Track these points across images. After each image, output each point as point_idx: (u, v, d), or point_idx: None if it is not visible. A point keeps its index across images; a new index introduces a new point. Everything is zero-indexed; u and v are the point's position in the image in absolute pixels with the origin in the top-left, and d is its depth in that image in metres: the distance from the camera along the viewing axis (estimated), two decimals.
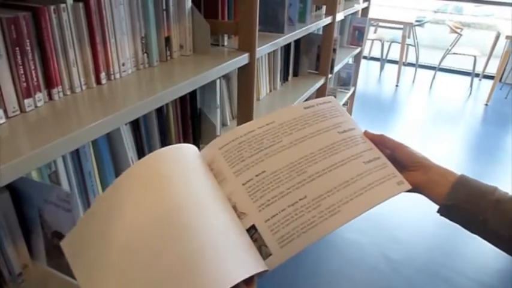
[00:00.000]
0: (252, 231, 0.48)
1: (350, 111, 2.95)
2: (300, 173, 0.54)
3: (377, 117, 3.58)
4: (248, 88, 1.22)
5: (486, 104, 4.01)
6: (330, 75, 2.03)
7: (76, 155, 0.81)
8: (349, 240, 1.96)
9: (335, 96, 2.19)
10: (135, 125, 0.99)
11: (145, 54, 0.94)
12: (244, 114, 1.27)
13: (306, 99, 1.83)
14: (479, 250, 1.94)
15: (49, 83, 0.72)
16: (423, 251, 1.93)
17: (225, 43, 1.20)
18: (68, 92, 0.76)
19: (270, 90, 1.77)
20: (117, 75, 0.87)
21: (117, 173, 0.97)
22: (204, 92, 1.21)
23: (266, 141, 0.57)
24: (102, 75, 0.82)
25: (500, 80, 4.32)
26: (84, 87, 0.80)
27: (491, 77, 4.62)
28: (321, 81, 1.96)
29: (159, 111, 1.05)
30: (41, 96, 0.70)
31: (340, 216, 0.51)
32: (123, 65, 0.87)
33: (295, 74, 1.99)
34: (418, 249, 1.93)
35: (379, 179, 0.57)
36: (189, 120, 1.17)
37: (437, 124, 3.52)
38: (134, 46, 0.90)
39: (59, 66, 0.73)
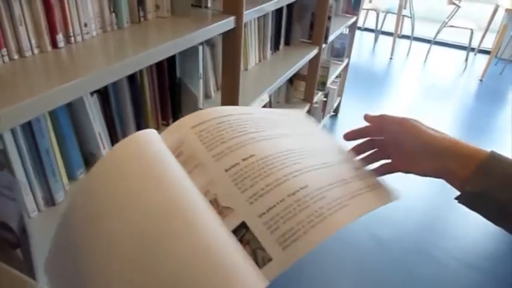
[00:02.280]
0: (240, 231, 0.36)
1: (343, 84, 2.84)
2: (296, 163, 0.44)
3: (370, 90, 3.48)
4: (234, 56, 1.10)
5: (480, 80, 3.92)
6: (323, 45, 1.90)
7: (29, 130, 0.70)
8: (343, 226, 1.89)
9: (328, 68, 2.07)
10: (103, 96, 0.87)
11: (113, 14, 0.81)
12: (229, 85, 1.16)
13: (298, 71, 1.71)
14: (469, 231, 1.90)
15: None
16: (412, 230, 1.88)
17: (209, 4, 1.07)
18: (16, 56, 0.64)
19: (260, 60, 1.64)
20: (79, 38, 0.74)
21: (83, 150, 0.86)
22: (185, 60, 1.08)
23: (249, 127, 0.47)
24: (59, 37, 0.69)
25: (496, 56, 4.21)
26: (36, 51, 0.67)
27: (487, 52, 4.51)
28: (314, 51, 1.83)
29: (132, 80, 0.93)
30: None
31: (349, 210, 0.42)
32: (86, 25, 0.74)
33: (287, 43, 1.85)
34: (407, 229, 1.89)
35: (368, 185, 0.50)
36: (167, 91, 1.05)
37: (430, 99, 3.44)
38: (99, 3, 0.77)
39: (1, 24, 0.60)
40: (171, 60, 1.03)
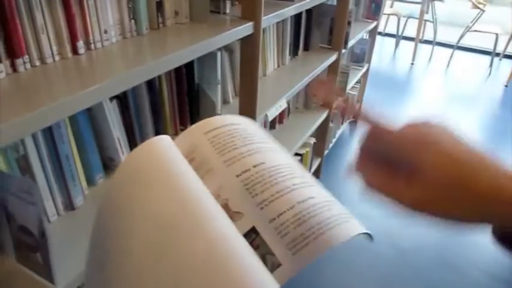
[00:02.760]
0: (251, 235, 0.37)
1: (363, 90, 2.80)
2: (301, 176, 0.44)
3: (390, 96, 3.42)
4: (252, 62, 1.10)
5: (506, 86, 3.81)
6: (343, 51, 1.88)
7: (50, 135, 0.71)
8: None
9: (348, 73, 2.05)
10: (122, 101, 0.88)
11: (132, 21, 0.82)
12: (247, 91, 1.15)
13: (317, 76, 1.69)
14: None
15: (12, 52, 0.60)
16: (433, 239, 1.83)
17: (227, 10, 1.07)
18: (37, 63, 0.65)
19: (278, 65, 1.64)
20: (99, 45, 0.75)
21: (102, 156, 0.87)
22: (203, 66, 1.09)
23: (257, 137, 0.47)
24: (80, 43, 0.70)
25: None
26: (57, 58, 0.68)
27: (511, 57, 4.39)
28: (334, 57, 1.82)
29: (151, 85, 0.93)
30: (1, 67, 0.59)
31: (355, 223, 0.41)
32: (106, 32, 0.75)
33: (306, 48, 1.84)
34: (428, 238, 1.83)
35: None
36: (185, 97, 1.05)
37: (454, 105, 3.36)
38: (119, 10, 0.78)
39: (23, 32, 0.61)
40: (189, 66, 1.04)
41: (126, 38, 0.82)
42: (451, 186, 0.33)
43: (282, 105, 1.35)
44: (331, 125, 2.11)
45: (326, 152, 2.21)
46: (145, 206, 0.37)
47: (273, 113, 1.29)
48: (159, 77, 0.96)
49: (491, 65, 4.27)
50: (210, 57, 1.06)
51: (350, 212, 0.43)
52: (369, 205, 1.95)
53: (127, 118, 0.90)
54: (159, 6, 0.86)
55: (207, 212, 0.36)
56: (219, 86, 1.13)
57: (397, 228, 1.85)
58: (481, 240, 1.84)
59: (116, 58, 0.74)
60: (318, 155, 2.11)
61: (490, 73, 4.16)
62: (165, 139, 0.43)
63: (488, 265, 1.70)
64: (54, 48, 0.67)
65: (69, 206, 0.80)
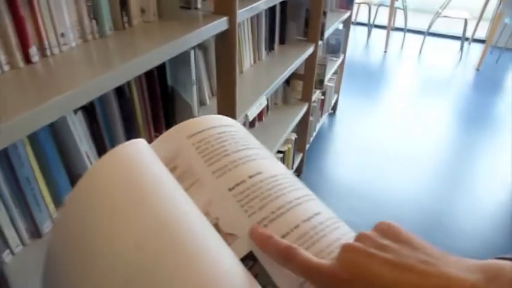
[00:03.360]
0: (247, 262, 0.30)
1: (340, 81, 2.77)
2: (301, 188, 0.37)
3: (366, 85, 3.41)
4: (229, 59, 1.03)
5: (477, 69, 3.87)
6: (320, 42, 1.83)
7: (5, 157, 0.62)
8: (346, 223, 1.82)
9: (325, 65, 2.00)
10: (89, 112, 0.79)
11: (93, 21, 0.73)
12: (225, 90, 1.08)
13: (295, 70, 1.64)
14: (482, 227, 1.84)
15: None
16: (423, 229, 1.82)
17: (198, 5, 0.99)
18: None
19: (254, 61, 1.57)
20: (56, 50, 0.66)
21: (70, 173, 0.78)
22: (176, 67, 1.01)
23: (251, 142, 0.40)
24: (33, 50, 0.61)
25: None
26: (6, 68, 0.59)
27: (481, 41, 4.47)
28: (311, 49, 1.76)
29: (120, 92, 0.85)
30: None
31: None
32: (63, 35, 0.66)
33: (282, 42, 1.78)
34: (418, 228, 1.82)
35: None
36: (159, 101, 0.97)
37: (427, 91, 3.38)
38: (77, 10, 0.69)
39: None
40: (161, 68, 0.95)
41: (87, 41, 0.73)
42: None
43: (262, 103, 1.29)
44: (311, 118, 2.06)
45: (307, 146, 2.17)
46: (110, 235, 0.28)
47: (253, 112, 1.22)
48: (129, 82, 0.88)
49: (461, 50, 4.33)
50: (183, 57, 0.98)
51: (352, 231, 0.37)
52: (355, 198, 1.92)
53: (95, 130, 0.81)
54: (123, 3, 0.78)
55: (195, 240, 0.28)
56: (195, 87, 1.05)
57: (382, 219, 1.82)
58: (465, 225, 1.84)
59: (78, 64, 0.65)
60: (300, 151, 2.06)
61: (461, 58, 4.23)
62: (138, 143, 0.35)
63: (473, 249, 1.70)
64: (2, 57, 0.58)
65: (35, 233, 0.71)
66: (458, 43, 4.43)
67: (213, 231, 0.30)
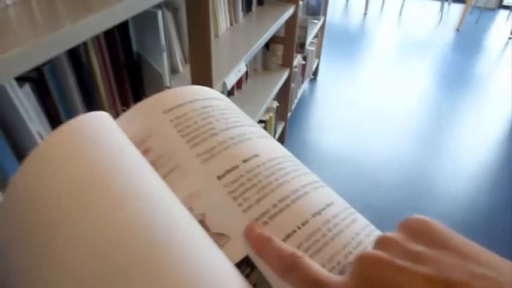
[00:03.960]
0: (243, 269, 0.23)
1: (320, 45, 2.66)
2: (308, 172, 0.29)
3: (347, 48, 3.32)
4: (202, 21, 0.91)
5: (457, 30, 3.81)
6: (300, 2, 1.70)
7: None
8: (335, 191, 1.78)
9: (306, 28, 1.88)
10: (38, 84, 0.68)
11: None
12: (200, 56, 0.97)
13: (275, 33, 1.52)
14: (465, 188, 1.83)
15: None
16: (408, 193, 1.79)
17: None
18: None
19: (231, 24, 1.44)
20: None
21: (22, 157, 0.67)
22: (142, 30, 0.88)
23: (244, 117, 0.32)
24: None
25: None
26: None
27: (460, 1, 4.40)
28: (291, 10, 1.64)
29: (75, 59, 0.73)
30: None
31: None
32: None
33: (260, 3, 1.65)
34: (402, 193, 1.79)
35: None
36: (124, 70, 0.85)
37: (408, 52, 3.33)
38: None
39: None
40: (124, 30, 0.83)
41: None
42: None
43: (241, 69, 1.18)
44: (292, 85, 1.96)
45: (289, 114, 2.08)
46: (64, 230, 0.21)
47: (231, 79, 1.12)
48: (86, 47, 0.75)
49: (441, 11, 4.25)
50: (149, 18, 0.85)
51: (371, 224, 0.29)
52: (339, 165, 1.85)
53: (49, 105, 0.70)
54: None
55: (177, 239, 0.21)
56: (165, 54, 0.93)
57: (369, 189, 1.79)
58: (450, 189, 1.83)
59: (14, 25, 0.53)
60: (282, 119, 1.97)
61: (441, 18, 4.15)
62: (99, 116, 0.27)
63: (459, 213, 1.69)
64: None
65: None
66: (438, 4, 4.35)
67: (200, 229, 0.23)
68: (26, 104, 0.64)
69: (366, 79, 2.82)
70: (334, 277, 0.21)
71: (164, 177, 0.26)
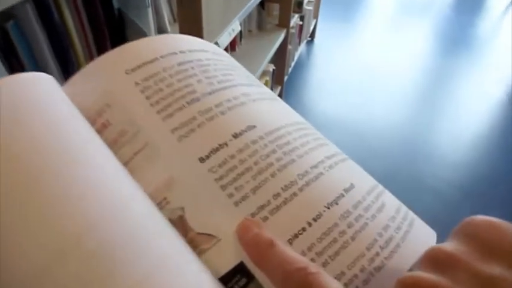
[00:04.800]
0: (237, 278, 0.18)
1: (318, 4, 2.52)
2: (324, 143, 0.24)
3: (344, 9, 3.18)
4: None
5: None
6: None
7: None
8: None
9: None
10: (3, 45, 0.59)
11: None
12: (189, 13, 0.87)
13: None
14: (466, 154, 1.78)
15: None
16: (408, 159, 1.74)
17: None
18: None
19: None
20: None
21: None
22: None
23: (240, 73, 0.26)
24: None
25: None
26: None
27: None
28: None
29: (46, 16, 0.64)
30: None
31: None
32: None
33: None
34: (402, 158, 1.74)
35: None
36: (104, 29, 0.76)
37: (408, 14, 3.21)
38: None
39: None
40: None
41: None
42: None
43: (234, 28, 1.08)
44: (289, 47, 1.86)
45: (286, 78, 1.99)
46: None
47: (225, 40, 1.02)
48: (57, 3, 0.66)
49: None
50: None
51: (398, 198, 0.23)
52: (338, 131, 1.77)
53: (16, 66, 0.61)
54: None
55: (133, 245, 0.16)
56: (150, 10, 0.84)
57: (369, 154, 1.73)
58: (448, 153, 1.79)
59: None
60: (278, 83, 1.89)
61: None
62: (35, 81, 0.20)
63: (455, 177, 1.65)
64: None
65: None
66: None
67: (169, 229, 0.18)
68: None
69: (365, 41, 2.71)
70: None
71: (128, 161, 0.20)
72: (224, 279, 0.17)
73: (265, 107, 0.23)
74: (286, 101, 1.62)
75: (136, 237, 0.16)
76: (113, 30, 0.78)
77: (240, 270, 0.18)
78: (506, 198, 1.57)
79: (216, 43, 0.98)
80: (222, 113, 0.21)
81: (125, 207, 0.17)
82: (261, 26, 1.68)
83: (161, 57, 0.23)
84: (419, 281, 0.14)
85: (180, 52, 0.24)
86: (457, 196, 1.56)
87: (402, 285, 0.15)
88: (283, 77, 1.90)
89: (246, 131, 0.21)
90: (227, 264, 0.18)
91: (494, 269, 0.14)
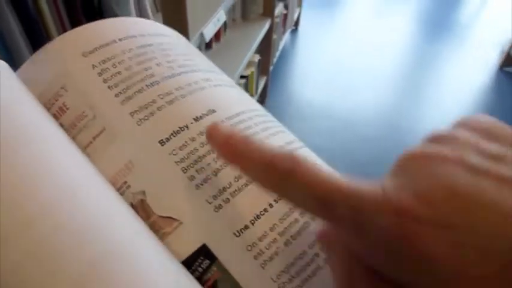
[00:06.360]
0: (200, 262, 0.18)
1: None
2: (284, 130, 0.24)
3: None
4: None
5: None
6: None
7: None
8: (319, 147, 1.72)
9: None
10: None
11: None
12: (173, 2, 0.84)
13: None
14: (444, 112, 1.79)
15: None
16: (393, 146, 1.75)
17: None
18: None
19: None
20: None
21: None
22: None
23: (199, 60, 0.25)
24: None
25: None
26: None
27: None
28: None
29: (20, 3, 0.59)
30: None
31: None
32: None
33: None
34: (388, 145, 1.75)
35: None
36: (82, 17, 0.72)
37: (392, 1, 3.20)
38: None
39: None
40: None
41: None
42: None
43: (220, 18, 1.05)
44: (274, 36, 1.83)
45: (271, 68, 1.96)
46: None
47: (210, 30, 0.99)
48: None
49: None
50: None
51: None
52: (323, 119, 1.76)
53: None
54: None
55: (95, 229, 0.15)
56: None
57: (356, 141, 1.73)
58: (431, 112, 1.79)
59: None
60: (264, 74, 1.86)
61: None
62: None
63: None
64: None
65: None
66: None
67: (128, 213, 0.18)
68: None
69: (349, 29, 2.70)
70: (360, 184, 0.14)
71: (87, 145, 0.20)
72: (187, 262, 0.18)
73: (226, 93, 0.23)
74: (272, 91, 1.61)
75: (88, 221, 0.15)
76: (91, 19, 0.74)
77: (202, 252, 0.18)
78: None
79: (201, 34, 0.95)
80: (183, 97, 0.21)
81: (79, 191, 0.16)
82: (245, 15, 1.65)
83: (120, 39, 0.23)
84: (426, 150, 0.13)
85: (140, 35, 0.24)
86: None
87: (408, 157, 0.14)
88: (268, 67, 1.87)
89: (207, 115, 0.21)
90: (190, 247, 0.18)
91: (493, 146, 0.13)
